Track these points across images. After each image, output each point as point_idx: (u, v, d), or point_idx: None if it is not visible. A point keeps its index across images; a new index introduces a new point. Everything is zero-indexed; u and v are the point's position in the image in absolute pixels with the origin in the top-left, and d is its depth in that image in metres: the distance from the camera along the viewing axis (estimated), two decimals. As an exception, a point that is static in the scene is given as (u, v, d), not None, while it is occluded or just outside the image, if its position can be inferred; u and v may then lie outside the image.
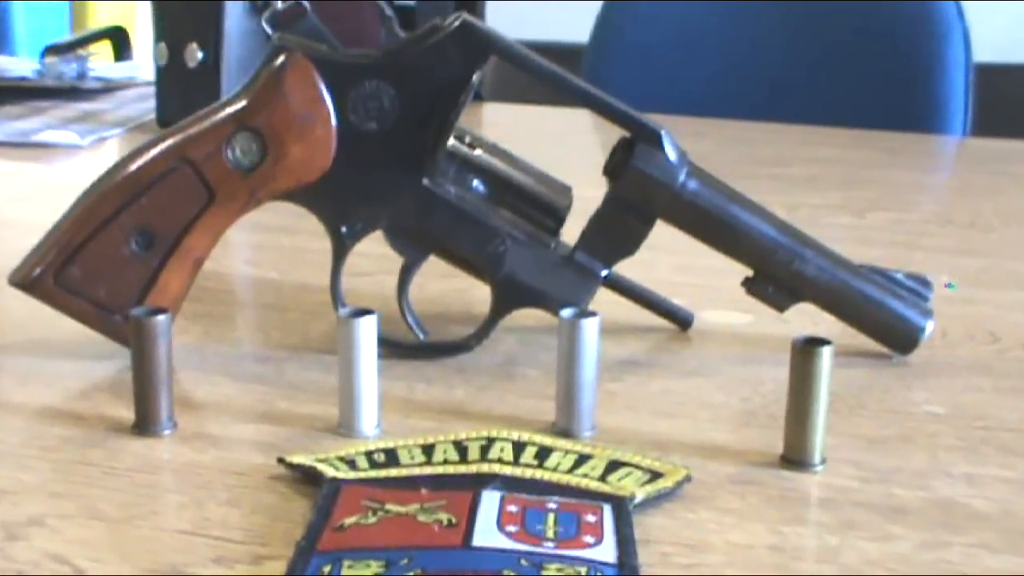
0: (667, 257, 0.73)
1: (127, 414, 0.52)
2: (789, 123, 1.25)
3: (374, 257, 0.65)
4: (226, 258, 0.76)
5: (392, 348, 0.59)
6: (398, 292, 0.60)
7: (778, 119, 1.27)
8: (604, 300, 0.62)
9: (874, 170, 1.08)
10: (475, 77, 0.56)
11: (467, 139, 0.59)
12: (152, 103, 1.14)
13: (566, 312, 0.52)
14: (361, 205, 0.58)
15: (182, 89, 1.09)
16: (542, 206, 0.60)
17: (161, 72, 1.11)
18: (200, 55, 1.08)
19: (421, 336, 0.61)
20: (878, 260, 0.63)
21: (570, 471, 0.47)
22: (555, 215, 0.60)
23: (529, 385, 0.58)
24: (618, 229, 0.59)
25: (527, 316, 0.61)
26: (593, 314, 0.52)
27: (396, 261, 0.61)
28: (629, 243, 0.59)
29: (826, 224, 0.87)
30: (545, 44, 0.84)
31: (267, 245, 0.80)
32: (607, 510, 0.44)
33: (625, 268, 0.63)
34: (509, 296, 0.59)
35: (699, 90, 1.40)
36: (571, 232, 0.61)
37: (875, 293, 0.60)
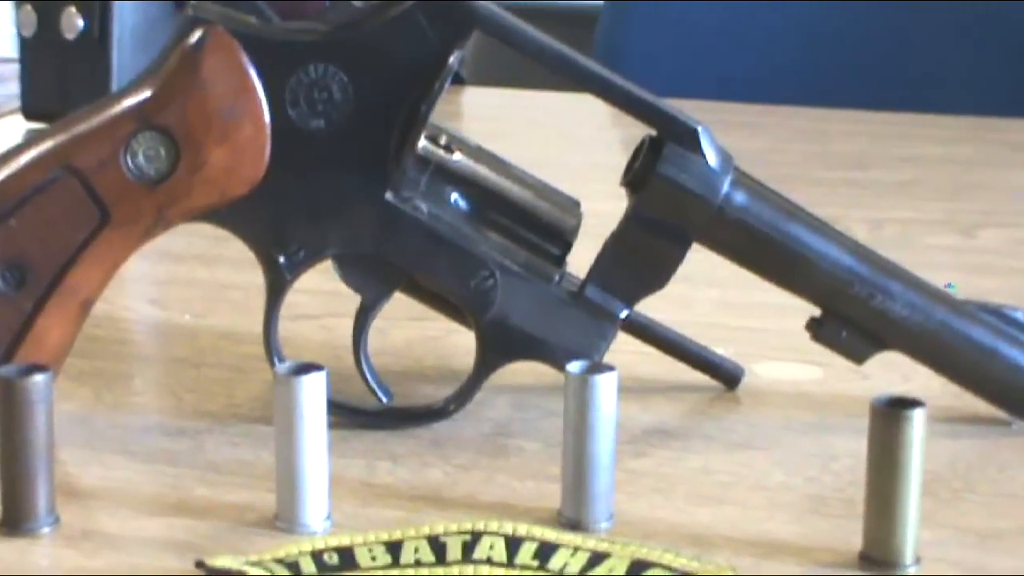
0: (707, 292, 0.75)
1: (-7, 507, 0.52)
2: (873, 110, 1.25)
3: (321, 295, 0.66)
4: (123, 297, 0.77)
5: (346, 415, 0.61)
6: (354, 341, 0.61)
7: (859, 105, 1.28)
8: (625, 350, 0.63)
9: (988, 171, 1.09)
10: (453, 59, 0.58)
11: (443, 140, 0.61)
12: (15, 87, 1.14)
13: (574, 366, 0.53)
14: (304, 227, 0.60)
15: (57, 68, 1.09)
16: (542, 226, 0.61)
17: (27, 45, 1.11)
18: (81, 23, 1.08)
19: (384, 399, 0.62)
20: (992, 294, 0.65)
21: (581, 575, 0.48)
22: (559, 238, 0.61)
23: (526, 462, 0.59)
24: (642, 256, 0.61)
25: (523, 371, 0.63)
26: (610, 368, 0.53)
27: (351, 300, 0.62)
28: (657, 274, 0.61)
29: (922, 246, 0.89)
30: (547, 8, 0.85)
31: (178, 280, 0.81)
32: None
33: (652, 307, 0.64)
34: (499, 345, 0.61)
35: (752, 66, 1.41)
36: (580, 261, 0.62)
37: (986, 338, 0.62)
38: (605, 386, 0.53)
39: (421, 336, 0.71)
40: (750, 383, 0.67)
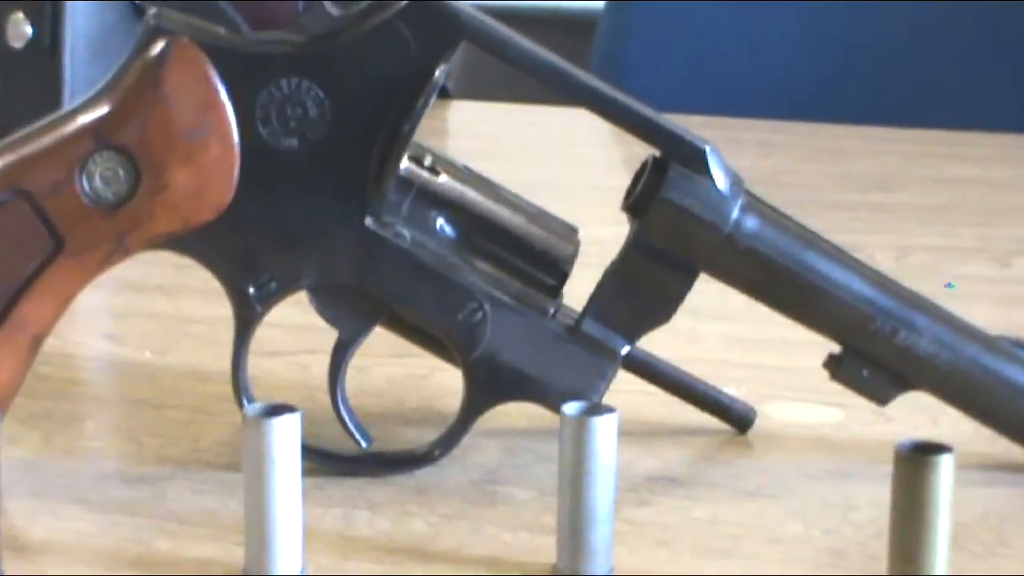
0: (716, 326, 0.75)
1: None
2: (899, 126, 1.25)
3: (295, 329, 0.67)
4: (77, 332, 0.77)
5: (322, 461, 0.61)
6: (330, 380, 0.62)
7: (883, 121, 1.28)
8: (626, 389, 0.64)
9: (1026, 196, 1.09)
10: (438, 72, 0.59)
11: (427, 160, 0.62)
12: (-43, 101, 1.15)
13: (571, 407, 0.53)
14: (276, 255, 0.60)
15: (2, 80, 1.09)
16: (536, 255, 0.62)
17: (-31, 55, 1.12)
18: (29, 30, 1.07)
19: (363, 444, 0.62)
20: (1028, 330, 0.65)
21: (578, 635, 0.49)
22: (555, 267, 0.62)
23: (518, 512, 0.60)
24: (645, 287, 0.61)
25: (515, 413, 0.63)
26: (610, 410, 0.53)
27: (328, 335, 0.62)
28: (661, 307, 0.61)
29: (952, 275, 0.89)
30: (541, 12, 0.84)
31: (137, 312, 0.81)
32: None
33: (656, 343, 0.64)
34: (489, 384, 0.61)
35: (766, 78, 1.41)
36: (578, 292, 0.62)
37: (1022, 378, 0.62)
38: (604, 429, 0.53)
39: (404, 375, 0.71)
40: (763, 426, 0.68)
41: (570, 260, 0.62)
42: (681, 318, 0.62)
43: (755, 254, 0.61)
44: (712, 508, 0.60)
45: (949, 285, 0.71)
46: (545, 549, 0.55)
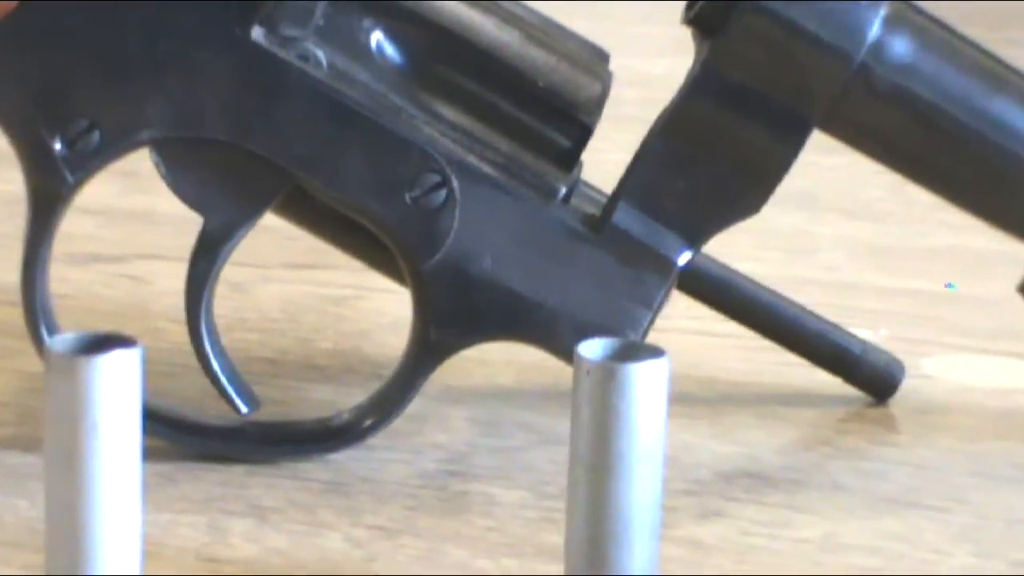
0: (836, 227, 0.73)
1: None
2: None
3: (130, 216, 0.65)
4: None
5: (175, 434, 0.61)
6: (188, 303, 0.61)
7: None
8: (686, 328, 0.64)
9: None
10: None
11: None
12: None
13: (591, 348, 0.52)
14: (100, 88, 0.59)
15: None
16: (537, 96, 0.61)
17: None
18: None
19: (243, 409, 0.62)
20: None
21: None
22: (568, 117, 0.61)
23: (501, 523, 0.59)
24: (717, 154, 0.60)
25: (497, 363, 0.64)
26: (656, 353, 0.52)
27: (186, 225, 0.61)
28: (744, 188, 0.61)
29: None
30: None
31: None
32: None
33: (732, 251, 0.64)
34: (454, 313, 0.61)
35: None
36: (603, 171, 0.62)
37: None
38: (647, 385, 0.51)
39: (311, 297, 0.71)
40: (912, 390, 0.67)
41: (594, 106, 0.61)
42: (778, 210, 0.61)
43: (906, 98, 0.60)
44: (827, 524, 0.59)
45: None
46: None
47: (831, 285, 0.69)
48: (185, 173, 0.60)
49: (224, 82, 0.59)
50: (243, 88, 0.59)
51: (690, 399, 0.57)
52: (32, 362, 0.56)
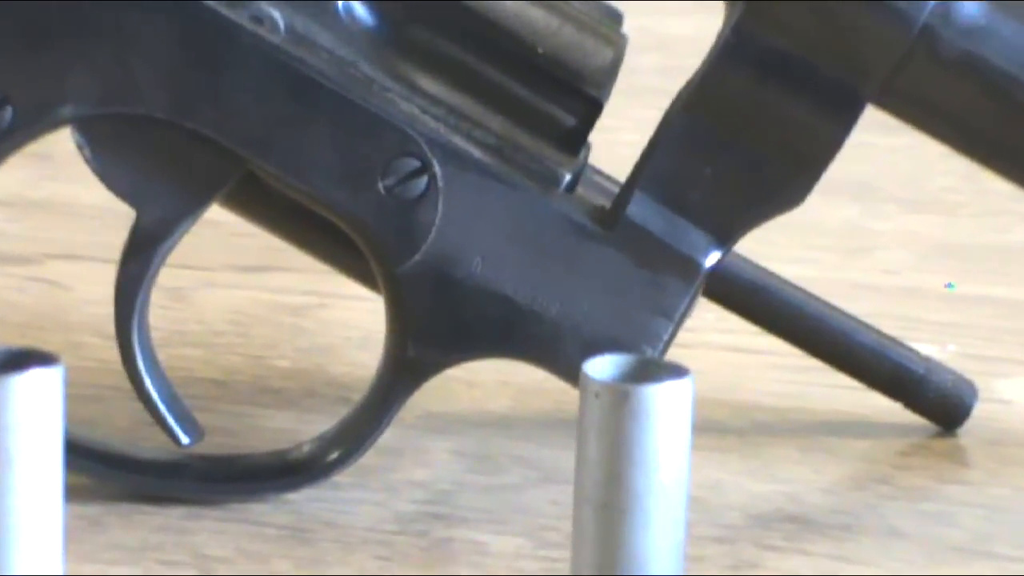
0: (895, 222, 0.72)
1: None
2: None
3: (46, 209, 0.64)
4: None
5: (102, 469, 0.61)
6: (118, 312, 0.60)
7: None
8: (717, 342, 0.67)
9: None
10: None
11: None
12: None
13: (600, 367, 0.51)
14: (15, 57, 0.59)
15: None
16: (535, 63, 0.60)
17: None
18: None
19: (183, 440, 0.61)
20: None
21: None
22: (574, 89, 0.61)
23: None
24: (752, 135, 0.59)
25: (487, 384, 0.66)
26: (680, 373, 0.51)
27: (114, 220, 0.61)
28: (785, 176, 0.60)
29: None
30: None
31: None
32: None
33: (773, 254, 0.65)
34: (437, 327, 0.60)
35: None
36: (615, 154, 0.62)
37: None
38: (667, 410, 0.50)
39: (266, 304, 0.72)
40: (986, 417, 0.67)
41: (604, 75, 0.60)
42: (826, 202, 0.62)
43: (978, 68, 0.59)
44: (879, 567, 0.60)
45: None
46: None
47: (890, 291, 0.69)
48: (114, 157, 0.59)
49: (161, 48, 0.58)
50: (184, 56, 0.58)
51: (720, 428, 0.57)
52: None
